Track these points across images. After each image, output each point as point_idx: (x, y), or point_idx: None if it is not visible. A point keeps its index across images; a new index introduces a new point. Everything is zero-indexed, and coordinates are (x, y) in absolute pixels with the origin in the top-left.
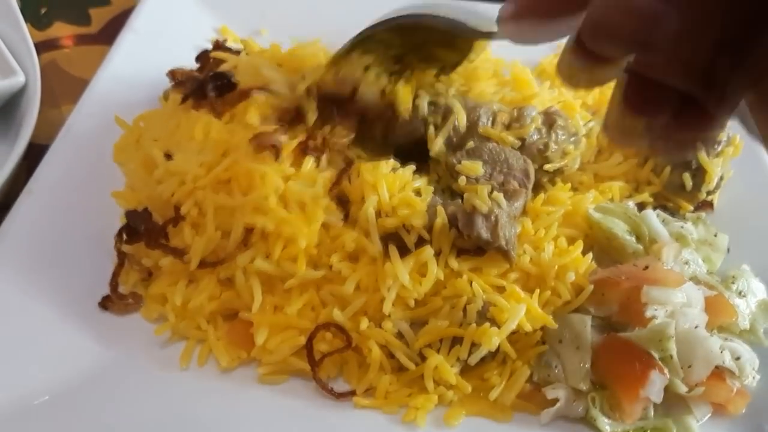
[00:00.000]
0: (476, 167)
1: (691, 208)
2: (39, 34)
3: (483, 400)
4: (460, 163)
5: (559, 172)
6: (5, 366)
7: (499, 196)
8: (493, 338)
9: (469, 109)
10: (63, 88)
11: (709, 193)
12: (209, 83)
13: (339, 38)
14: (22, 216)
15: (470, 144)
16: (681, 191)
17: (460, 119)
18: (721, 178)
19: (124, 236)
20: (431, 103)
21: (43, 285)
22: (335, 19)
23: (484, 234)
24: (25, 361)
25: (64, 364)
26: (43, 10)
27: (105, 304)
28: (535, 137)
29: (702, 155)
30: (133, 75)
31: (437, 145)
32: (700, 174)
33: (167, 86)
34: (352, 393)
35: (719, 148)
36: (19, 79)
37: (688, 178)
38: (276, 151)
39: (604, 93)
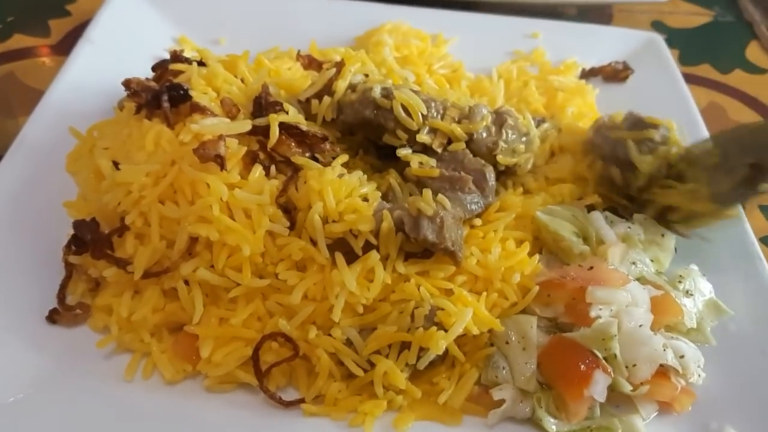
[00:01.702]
0: (434, 171)
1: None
2: None
3: (432, 404)
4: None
5: (510, 172)
6: None
7: (444, 198)
8: (440, 342)
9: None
10: (19, 100)
11: (641, 189)
12: (164, 93)
13: (295, 47)
14: None
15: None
16: (612, 187)
17: (419, 107)
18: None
19: (73, 247)
20: (384, 89)
21: None
22: (293, 27)
23: (430, 236)
24: None
25: (8, 375)
26: (2, 23)
27: (52, 317)
28: (485, 135)
29: (633, 152)
30: (89, 85)
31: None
32: (630, 170)
33: (122, 96)
34: (301, 401)
35: (652, 146)
36: None
37: (617, 173)
38: (220, 160)
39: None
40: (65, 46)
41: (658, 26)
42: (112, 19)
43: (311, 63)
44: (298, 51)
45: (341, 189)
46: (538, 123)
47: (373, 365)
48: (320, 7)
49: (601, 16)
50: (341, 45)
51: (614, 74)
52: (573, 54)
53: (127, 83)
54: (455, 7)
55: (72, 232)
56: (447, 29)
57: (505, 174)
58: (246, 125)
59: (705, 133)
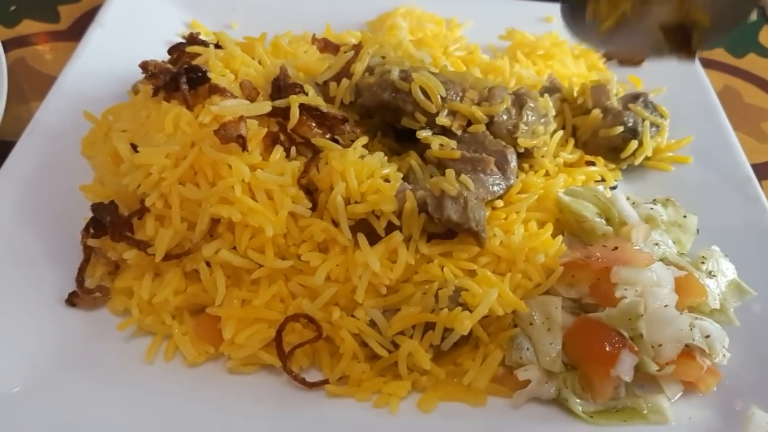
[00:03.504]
0: (455, 152)
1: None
2: (8, 31)
3: (457, 385)
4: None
5: (528, 154)
6: None
7: (467, 179)
8: (465, 322)
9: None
10: (31, 85)
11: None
12: (182, 76)
13: (307, 31)
14: None
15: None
16: (612, 153)
17: (438, 90)
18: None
19: (91, 230)
20: (402, 71)
21: (10, 281)
22: (304, 12)
23: (454, 216)
24: None
25: (30, 359)
26: (12, 8)
27: (72, 300)
28: (505, 117)
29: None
30: (101, 70)
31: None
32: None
33: (135, 80)
34: (325, 382)
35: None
36: None
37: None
38: (242, 141)
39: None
40: (75, 32)
41: None
42: (123, 4)
43: (327, 46)
44: (314, 34)
45: (363, 170)
46: (544, 92)
47: (396, 346)
48: None
49: None
50: (353, 29)
51: (629, 58)
52: None
53: (144, 65)
54: None
55: (90, 215)
56: (460, 13)
57: (523, 156)
58: (266, 106)
59: (722, 117)
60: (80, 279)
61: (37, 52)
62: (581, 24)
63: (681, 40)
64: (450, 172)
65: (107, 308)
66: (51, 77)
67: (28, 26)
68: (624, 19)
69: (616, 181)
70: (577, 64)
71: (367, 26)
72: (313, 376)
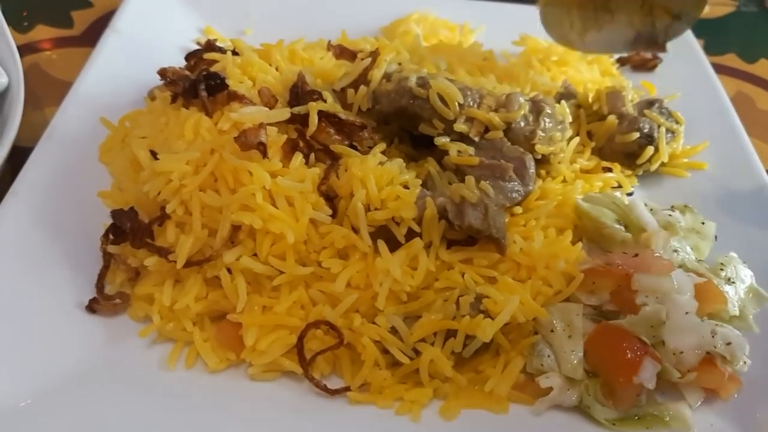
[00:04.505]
0: (473, 159)
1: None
2: (21, 37)
3: (479, 392)
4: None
5: (544, 161)
6: None
7: (487, 186)
8: (488, 329)
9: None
10: (45, 91)
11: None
12: (201, 82)
13: (321, 37)
14: (7, 218)
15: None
16: (628, 159)
17: (456, 96)
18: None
19: (111, 236)
20: (420, 78)
21: (29, 287)
22: (317, 18)
23: (476, 223)
24: (10, 364)
25: (50, 366)
26: (24, 14)
27: (92, 306)
28: (522, 124)
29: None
30: (117, 76)
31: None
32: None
33: (151, 86)
34: (347, 389)
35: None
36: (2, 80)
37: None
38: (263, 148)
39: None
40: (88, 38)
41: None
42: (138, 10)
43: (343, 53)
44: (329, 41)
45: (383, 176)
46: (559, 98)
47: (418, 353)
48: None
49: None
50: (366, 35)
51: (643, 63)
52: None
53: (163, 72)
54: None
55: (108, 221)
56: (471, 19)
57: (540, 162)
58: (285, 113)
59: (737, 122)
60: (100, 285)
61: (50, 57)
62: (558, 29)
63: (649, 35)
64: (470, 179)
65: (127, 315)
66: (65, 83)
67: (41, 32)
68: (595, 22)
69: (632, 187)
70: (591, 70)
71: (381, 32)
72: (334, 383)
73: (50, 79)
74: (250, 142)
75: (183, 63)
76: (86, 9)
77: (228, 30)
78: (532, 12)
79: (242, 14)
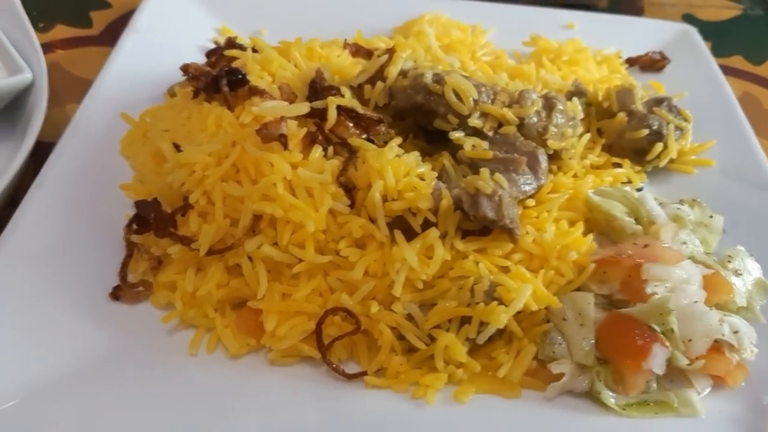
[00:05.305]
0: (487, 152)
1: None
2: (41, 36)
3: (492, 378)
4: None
5: (556, 156)
6: (20, 353)
7: (501, 177)
8: (502, 316)
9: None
10: (66, 88)
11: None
12: (223, 78)
13: (335, 37)
14: (31, 209)
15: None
16: (638, 155)
17: (470, 92)
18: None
19: (134, 226)
20: (435, 74)
21: (53, 276)
22: (332, 18)
23: (490, 213)
24: (37, 349)
25: (75, 352)
26: (44, 13)
27: (116, 293)
28: (535, 119)
29: (671, 136)
30: (136, 73)
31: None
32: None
33: (170, 83)
34: (363, 373)
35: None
36: (27, 75)
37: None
38: (284, 140)
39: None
40: (107, 37)
41: (688, 19)
42: (156, 10)
43: (359, 51)
44: (345, 39)
45: (400, 168)
46: (570, 96)
47: (433, 339)
48: None
49: (631, 9)
50: (380, 35)
51: (651, 64)
52: (607, 45)
53: (185, 68)
54: None
55: (130, 212)
56: (482, 20)
57: (551, 158)
58: (304, 107)
59: (744, 122)
60: (123, 273)
61: (70, 56)
62: None
63: None
64: (485, 171)
65: (150, 302)
66: (85, 81)
67: (60, 31)
68: None
69: (641, 183)
70: (600, 70)
71: (394, 32)
72: (351, 369)
73: (70, 78)
74: (271, 134)
75: (200, 61)
76: (104, 9)
77: (244, 30)
78: (542, 13)
79: (257, 14)
